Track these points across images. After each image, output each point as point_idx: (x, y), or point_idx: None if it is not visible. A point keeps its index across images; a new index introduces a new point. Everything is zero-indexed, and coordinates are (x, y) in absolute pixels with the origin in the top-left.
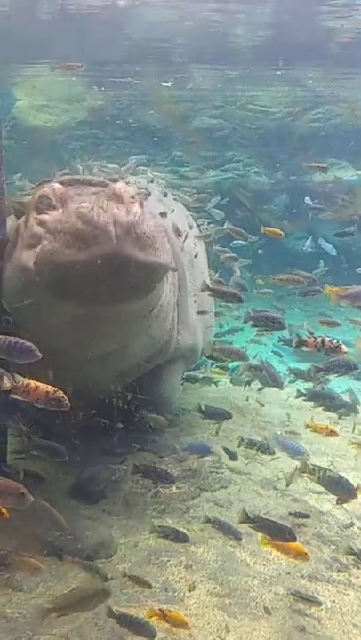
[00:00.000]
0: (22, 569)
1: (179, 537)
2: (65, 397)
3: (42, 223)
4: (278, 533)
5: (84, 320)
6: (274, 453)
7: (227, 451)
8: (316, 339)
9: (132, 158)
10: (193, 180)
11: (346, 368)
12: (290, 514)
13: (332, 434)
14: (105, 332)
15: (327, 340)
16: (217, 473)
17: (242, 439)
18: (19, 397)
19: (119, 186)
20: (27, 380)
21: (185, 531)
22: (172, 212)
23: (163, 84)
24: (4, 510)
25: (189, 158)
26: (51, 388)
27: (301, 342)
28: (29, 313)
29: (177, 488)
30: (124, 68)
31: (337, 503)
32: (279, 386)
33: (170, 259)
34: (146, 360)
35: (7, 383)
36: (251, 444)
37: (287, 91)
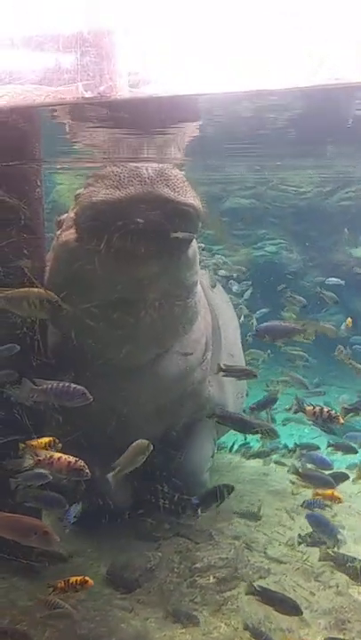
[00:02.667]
0: None
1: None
2: (86, 467)
3: (77, 196)
4: (284, 607)
5: (125, 287)
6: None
7: None
8: (314, 407)
9: None
10: (228, 258)
11: None
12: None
13: (334, 499)
14: (145, 314)
15: (325, 409)
16: (255, 562)
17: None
18: (42, 470)
19: None
20: (49, 452)
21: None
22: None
23: None
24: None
25: (222, 237)
26: (72, 459)
27: (300, 410)
28: (74, 288)
29: (214, 577)
30: None
31: None
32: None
33: (199, 204)
34: (179, 396)
35: (30, 461)
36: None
37: (317, 172)
